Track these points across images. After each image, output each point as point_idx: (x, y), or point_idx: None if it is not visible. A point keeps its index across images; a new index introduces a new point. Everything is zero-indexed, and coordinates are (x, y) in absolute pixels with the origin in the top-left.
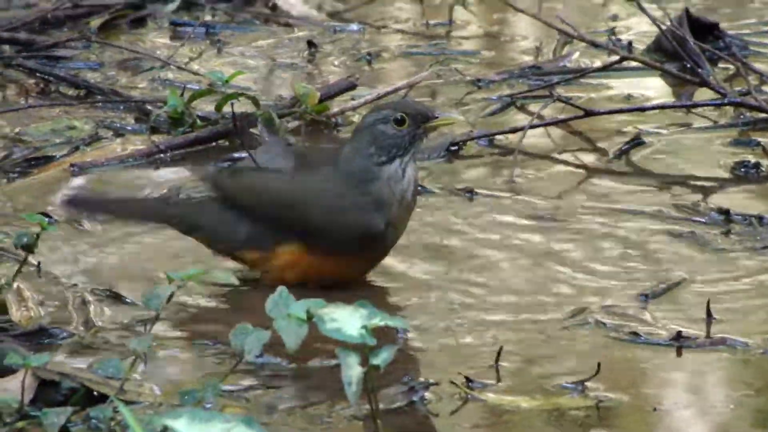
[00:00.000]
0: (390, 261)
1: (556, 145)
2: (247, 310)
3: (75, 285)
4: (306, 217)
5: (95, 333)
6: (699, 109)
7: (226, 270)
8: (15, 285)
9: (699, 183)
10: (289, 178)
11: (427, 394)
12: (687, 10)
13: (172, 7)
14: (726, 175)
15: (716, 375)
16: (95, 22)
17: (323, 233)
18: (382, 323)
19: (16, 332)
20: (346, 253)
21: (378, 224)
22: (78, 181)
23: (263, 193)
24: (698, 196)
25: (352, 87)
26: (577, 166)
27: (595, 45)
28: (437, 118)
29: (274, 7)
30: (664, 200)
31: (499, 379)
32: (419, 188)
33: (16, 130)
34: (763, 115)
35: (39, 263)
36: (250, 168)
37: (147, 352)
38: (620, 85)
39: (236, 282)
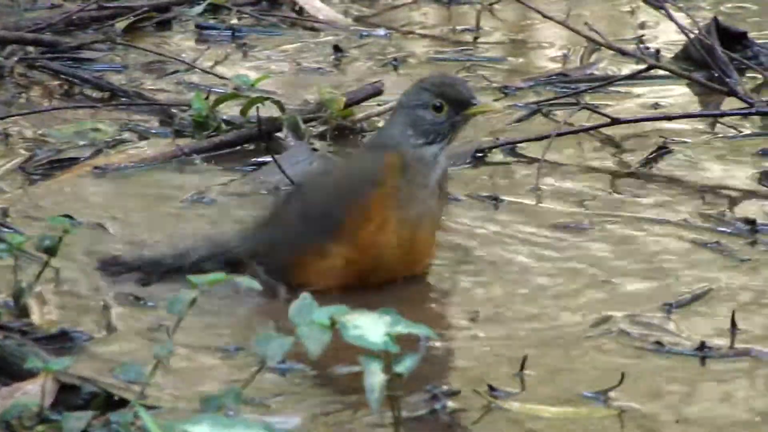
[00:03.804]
0: None
1: (583, 153)
2: (270, 315)
3: (97, 289)
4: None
5: (116, 337)
6: (726, 119)
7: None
8: (36, 288)
9: (725, 192)
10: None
11: (450, 403)
12: (716, 19)
13: (197, 9)
14: (752, 185)
15: (741, 386)
16: (120, 24)
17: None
18: (405, 331)
19: (37, 336)
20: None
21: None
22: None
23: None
24: (724, 206)
25: (378, 92)
26: (603, 174)
27: (622, 53)
28: (476, 105)
29: (301, 11)
30: (689, 209)
31: (522, 388)
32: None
33: (40, 131)
34: None
35: (58, 268)
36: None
37: (168, 357)
38: (647, 94)
39: (259, 287)
